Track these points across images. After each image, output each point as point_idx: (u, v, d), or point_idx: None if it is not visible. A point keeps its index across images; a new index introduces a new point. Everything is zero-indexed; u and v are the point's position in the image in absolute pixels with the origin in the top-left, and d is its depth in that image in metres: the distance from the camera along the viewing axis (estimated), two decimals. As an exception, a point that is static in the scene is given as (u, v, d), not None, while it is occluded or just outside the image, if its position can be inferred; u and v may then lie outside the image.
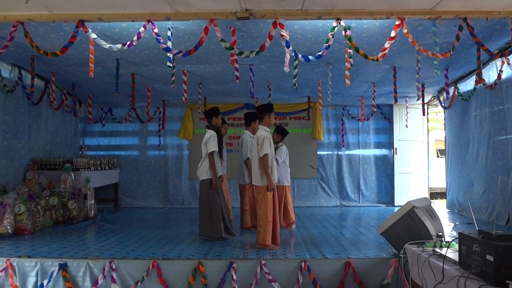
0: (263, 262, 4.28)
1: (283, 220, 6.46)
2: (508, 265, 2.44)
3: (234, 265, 4.27)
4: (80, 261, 4.37)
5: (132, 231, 6.27)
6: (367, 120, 9.91)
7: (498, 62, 6.41)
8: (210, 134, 5.65)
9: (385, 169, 10.00)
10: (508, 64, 6.05)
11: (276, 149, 6.47)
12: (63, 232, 6.13)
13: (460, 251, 2.90)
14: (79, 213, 7.06)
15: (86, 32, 4.74)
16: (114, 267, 4.28)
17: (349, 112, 10.00)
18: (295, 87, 5.95)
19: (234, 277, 4.20)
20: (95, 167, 8.23)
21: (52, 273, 4.25)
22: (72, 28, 4.82)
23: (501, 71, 6.36)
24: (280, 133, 6.65)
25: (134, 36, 4.82)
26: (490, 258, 2.50)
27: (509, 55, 5.32)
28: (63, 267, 4.29)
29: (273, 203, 5.07)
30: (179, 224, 7.09)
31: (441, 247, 3.46)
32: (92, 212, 7.38)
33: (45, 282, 4.23)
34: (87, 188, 7.37)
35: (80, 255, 4.58)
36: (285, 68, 4.86)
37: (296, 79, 5.88)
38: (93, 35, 4.82)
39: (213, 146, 5.56)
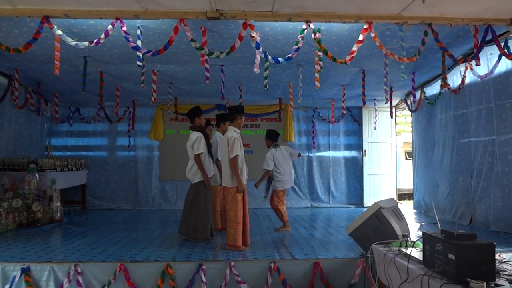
0: (232, 263, 4.26)
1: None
2: (469, 263, 2.51)
3: (203, 266, 4.23)
4: (43, 265, 4.23)
5: (100, 234, 6.12)
6: (337, 122, 10.05)
7: (462, 67, 6.64)
8: (196, 135, 5.56)
9: (355, 170, 10.17)
10: (471, 69, 6.27)
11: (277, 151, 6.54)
12: (27, 236, 5.91)
13: (424, 250, 2.97)
14: (44, 215, 6.84)
15: (52, 28, 4.59)
16: (79, 270, 4.17)
17: (320, 114, 10.11)
18: (266, 88, 5.98)
19: (204, 279, 4.16)
20: (61, 168, 7.99)
21: (14, 277, 4.09)
22: (36, 24, 4.67)
23: (464, 76, 6.59)
24: (270, 138, 6.66)
25: (102, 33, 4.72)
26: (451, 256, 2.57)
27: (471, 60, 5.52)
28: (25, 271, 4.14)
29: (243, 204, 5.07)
30: (148, 226, 6.97)
31: (406, 246, 3.54)
32: (58, 214, 7.16)
33: (6, 287, 4.07)
34: (52, 190, 7.14)
35: (43, 259, 4.42)
36: (255, 69, 4.87)
37: (267, 80, 5.90)
38: (59, 32, 4.67)
39: (201, 148, 5.49)
